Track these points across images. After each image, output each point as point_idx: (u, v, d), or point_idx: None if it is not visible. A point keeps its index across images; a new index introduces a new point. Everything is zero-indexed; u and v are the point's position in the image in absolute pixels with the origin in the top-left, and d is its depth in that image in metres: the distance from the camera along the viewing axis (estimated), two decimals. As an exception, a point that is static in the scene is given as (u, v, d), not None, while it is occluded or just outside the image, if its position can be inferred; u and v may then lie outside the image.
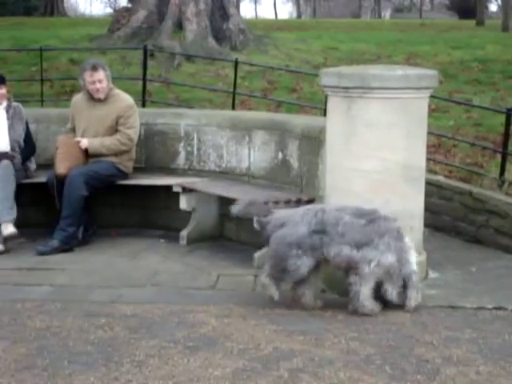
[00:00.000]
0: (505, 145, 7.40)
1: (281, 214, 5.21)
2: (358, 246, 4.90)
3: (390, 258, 4.94)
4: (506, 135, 7.39)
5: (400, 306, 5.08)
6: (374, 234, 4.93)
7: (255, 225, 5.18)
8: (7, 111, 6.72)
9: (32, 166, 6.86)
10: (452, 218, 7.11)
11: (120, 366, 4.14)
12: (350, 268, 4.94)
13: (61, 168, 6.44)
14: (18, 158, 6.64)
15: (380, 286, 5.04)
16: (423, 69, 6.49)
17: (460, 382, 4.02)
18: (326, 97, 5.72)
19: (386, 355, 4.35)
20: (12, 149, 6.66)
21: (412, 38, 17.88)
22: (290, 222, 4.99)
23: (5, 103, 6.73)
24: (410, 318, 4.95)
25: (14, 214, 6.36)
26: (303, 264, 4.92)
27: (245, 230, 6.62)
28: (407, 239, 5.08)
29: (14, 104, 6.83)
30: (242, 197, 6.11)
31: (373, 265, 4.90)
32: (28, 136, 6.83)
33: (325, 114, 6.54)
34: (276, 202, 5.99)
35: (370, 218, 4.97)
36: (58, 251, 6.32)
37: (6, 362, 4.18)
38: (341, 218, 4.94)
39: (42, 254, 6.28)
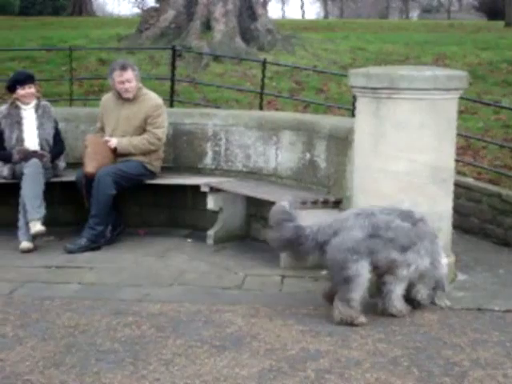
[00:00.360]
0: (534, 147, 7.33)
1: (326, 222, 5.01)
2: (403, 249, 4.86)
3: (425, 262, 4.92)
4: (536, 137, 7.32)
5: (427, 308, 5.07)
6: (417, 238, 4.90)
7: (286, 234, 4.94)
8: (36, 110, 6.78)
9: (61, 164, 6.92)
10: (480, 220, 7.06)
11: (147, 365, 4.17)
12: (388, 270, 4.91)
13: (89, 167, 6.49)
14: (48, 157, 6.70)
15: (411, 287, 5.01)
16: (452, 70, 6.45)
17: (488, 385, 4.00)
18: (354, 97, 5.70)
19: (413, 357, 4.34)
20: (41, 147, 6.72)
21: (440, 39, 17.75)
22: (344, 229, 4.84)
23: (34, 102, 6.79)
24: (438, 320, 4.93)
25: (42, 212, 6.41)
26: (363, 268, 4.77)
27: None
28: (440, 241, 5.05)
29: (43, 103, 6.89)
30: (270, 197, 6.13)
31: (412, 269, 4.88)
32: (57, 135, 6.89)
33: (352, 115, 6.53)
34: (304, 203, 5.99)
35: (413, 220, 4.92)
36: (86, 250, 6.37)
37: (35, 359, 4.23)
38: (391, 221, 4.87)
39: (70, 252, 6.33)
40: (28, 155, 6.58)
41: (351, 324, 4.75)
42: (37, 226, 6.34)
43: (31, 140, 6.72)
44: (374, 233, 4.82)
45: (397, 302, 4.93)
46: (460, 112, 9.44)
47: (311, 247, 4.90)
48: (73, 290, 5.47)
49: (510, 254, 6.55)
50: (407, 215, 4.94)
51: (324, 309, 5.00)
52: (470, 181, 7.33)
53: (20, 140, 6.70)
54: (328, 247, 4.85)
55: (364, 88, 5.39)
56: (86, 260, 6.16)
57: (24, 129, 6.72)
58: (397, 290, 4.91)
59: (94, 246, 6.43)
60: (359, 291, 4.77)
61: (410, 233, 4.88)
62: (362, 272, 4.76)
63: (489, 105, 9.95)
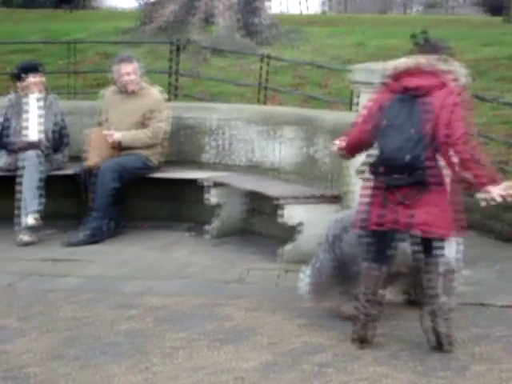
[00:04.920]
0: (536, 142, 7.34)
1: (336, 219, 5.01)
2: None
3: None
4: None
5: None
6: None
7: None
8: (44, 101, 6.77)
9: (64, 157, 6.92)
10: (483, 216, 7.06)
11: (149, 357, 4.19)
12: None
13: (92, 160, 6.50)
14: (48, 149, 6.69)
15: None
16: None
17: (488, 380, 4.02)
18: (352, 92, 5.70)
19: (413, 351, 4.36)
20: (43, 139, 6.71)
21: (441, 34, 17.71)
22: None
23: (37, 93, 6.77)
24: (439, 314, 4.94)
25: (37, 204, 6.37)
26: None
27: (272, 225, 6.64)
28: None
29: (51, 95, 6.91)
30: (270, 191, 6.14)
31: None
32: (63, 128, 6.89)
33: (351, 110, 6.52)
34: (305, 197, 6.01)
35: None
36: (88, 243, 6.38)
37: (38, 351, 4.25)
38: None
39: (72, 245, 6.34)
40: (26, 146, 6.56)
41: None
42: (31, 219, 6.32)
43: (31, 131, 6.71)
44: None
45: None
46: (462, 107, 9.43)
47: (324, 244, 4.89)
48: (75, 283, 5.49)
49: None
50: None
51: (325, 303, 5.01)
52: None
53: (23, 128, 6.69)
54: (339, 243, 4.84)
55: (366, 83, 5.40)
56: (89, 253, 6.17)
57: (28, 117, 6.72)
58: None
59: (97, 239, 6.44)
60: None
61: None
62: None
63: (489, 101, 9.94)
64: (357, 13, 42.11)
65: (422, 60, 4.32)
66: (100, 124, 6.94)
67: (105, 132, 6.66)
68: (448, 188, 4.33)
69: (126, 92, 6.77)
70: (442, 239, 4.37)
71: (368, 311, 4.38)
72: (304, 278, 4.91)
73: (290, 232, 6.17)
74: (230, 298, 5.16)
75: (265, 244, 6.55)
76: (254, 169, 6.99)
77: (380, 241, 4.36)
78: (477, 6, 43.36)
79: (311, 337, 4.53)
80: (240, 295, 5.24)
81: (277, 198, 6.06)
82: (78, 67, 12.23)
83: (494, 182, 4.23)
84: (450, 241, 4.93)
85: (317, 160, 6.54)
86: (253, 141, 7.00)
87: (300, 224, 6.04)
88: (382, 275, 4.42)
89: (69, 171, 6.75)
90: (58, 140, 6.82)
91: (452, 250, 4.97)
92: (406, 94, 4.30)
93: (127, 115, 6.72)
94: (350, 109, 6.09)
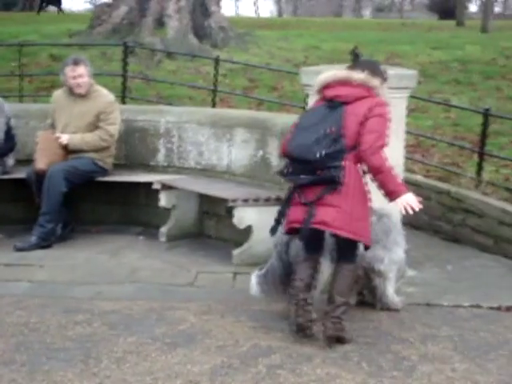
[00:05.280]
0: (482, 145, 7.47)
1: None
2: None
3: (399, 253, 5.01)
4: (484, 135, 7.47)
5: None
6: (382, 233, 4.94)
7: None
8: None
9: (10, 161, 6.81)
10: (430, 216, 7.17)
11: (98, 363, 4.15)
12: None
13: (40, 164, 6.42)
14: (-3, 153, 6.60)
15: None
16: (402, 69, 6.54)
17: (436, 379, 4.07)
18: (307, 95, 5.74)
19: (364, 352, 4.40)
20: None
21: (393, 38, 17.95)
22: None
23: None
24: (388, 315, 5.00)
25: None
26: (324, 266, 4.74)
27: (224, 228, 6.65)
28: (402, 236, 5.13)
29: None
30: (220, 194, 6.15)
31: (386, 263, 4.94)
32: (9, 131, 6.80)
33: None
34: (256, 200, 6.02)
35: (378, 215, 4.95)
36: (37, 247, 6.30)
37: (-16, 357, 4.18)
38: None
39: (20, 250, 6.25)
40: None
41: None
42: None
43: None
44: None
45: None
46: (411, 110, 9.56)
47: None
48: (23, 288, 5.41)
49: (459, 250, 6.67)
50: (371, 210, 4.98)
51: (276, 305, 5.03)
52: (419, 178, 7.44)
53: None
54: (287, 248, 4.87)
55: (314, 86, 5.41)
56: (37, 258, 6.09)
57: None
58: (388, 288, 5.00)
59: (45, 243, 6.36)
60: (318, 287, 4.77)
61: (375, 227, 4.92)
62: (323, 270, 4.74)
63: (439, 103, 10.11)
64: (308, 16, 42.38)
65: (341, 73, 4.53)
66: (49, 127, 6.86)
67: (53, 135, 6.59)
68: (361, 192, 4.38)
69: (75, 94, 6.70)
70: (351, 242, 4.42)
71: (301, 297, 4.49)
72: (255, 281, 4.92)
73: (242, 235, 6.18)
74: (181, 302, 5.14)
75: (217, 247, 6.55)
76: (206, 171, 6.98)
77: (310, 234, 4.43)
78: (426, 9, 44.00)
79: (262, 339, 4.54)
80: (191, 299, 5.23)
81: (226, 201, 6.06)
82: (29, 70, 12.08)
83: (398, 193, 4.36)
84: (397, 242, 5.00)
85: (269, 162, 6.56)
86: (204, 143, 6.99)
87: (250, 227, 6.05)
88: (314, 264, 4.57)
89: (18, 175, 6.66)
90: (5, 144, 6.72)
91: (402, 250, 5.05)
92: (332, 101, 4.47)
93: (77, 118, 6.66)
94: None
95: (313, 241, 4.55)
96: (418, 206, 4.40)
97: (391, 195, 4.40)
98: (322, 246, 4.63)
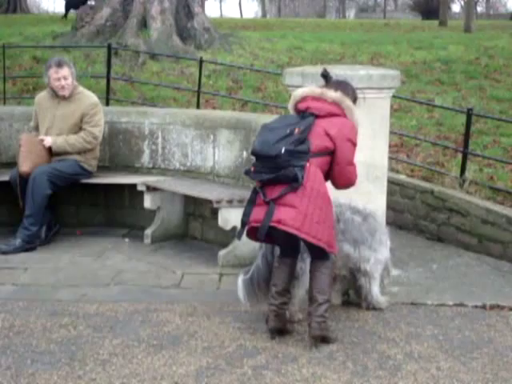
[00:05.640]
0: (465, 144, 7.51)
1: None
2: (355, 244, 4.92)
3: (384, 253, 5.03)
4: (467, 135, 7.50)
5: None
6: (368, 233, 4.96)
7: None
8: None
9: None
10: (414, 216, 7.20)
11: (83, 365, 4.14)
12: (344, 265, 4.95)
13: (24, 166, 6.39)
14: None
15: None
16: (386, 69, 6.56)
17: (421, 378, 4.09)
18: (290, 96, 5.74)
19: (349, 351, 4.41)
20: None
21: (376, 38, 18.01)
22: None
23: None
24: (372, 314, 5.01)
25: None
26: (307, 265, 4.72)
27: (210, 229, 6.65)
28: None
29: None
30: (205, 195, 6.14)
31: (371, 262, 4.96)
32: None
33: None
34: (241, 201, 6.02)
35: (363, 215, 4.97)
36: (21, 250, 6.27)
37: (-31, 361, 4.16)
38: (342, 214, 4.92)
39: (4, 253, 6.22)
40: None
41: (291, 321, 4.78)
42: None
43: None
44: None
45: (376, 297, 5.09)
46: (394, 110, 9.61)
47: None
48: (7, 291, 5.39)
49: (442, 249, 6.70)
50: (358, 210, 5.01)
51: (261, 306, 5.02)
52: (403, 178, 7.47)
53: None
54: (272, 249, 4.84)
55: (298, 87, 5.43)
56: (21, 261, 6.07)
57: None
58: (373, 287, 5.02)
59: (29, 246, 6.34)
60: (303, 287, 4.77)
61: (361, 227, 4.93)
62: (306, 270, 4.72)
63: (422, 103, 10.16)
64: (292, 17, 42.44)
65: (317, 90, 4.64)
66: (33, 129, 6.84)
67: (37, 137, 6.56)
68: (321, 196, 4.40)
69: (59, 97, 6.68)
70: (312, 244, 4.42)
71: (274, 303, 4.53)
72: (241, 286, 4.92)
73: (227, 236, 6.18)
74: (166, 304, 5.14)
75: (202, 248, 6.55)
76: (191, 173, 6.98)
77: (284, 236, 4.43)
78: (409, 9, 44.16)
79: (247, 340, 4.54)
80: (176, 300, 5.22)
81: (211, 202, 6.05)
82: (10, 72, 12.02)
83: None
84: (383, 242, 5.03)
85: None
86: (188, 145, 6.99)
87: (235, 228, 6.05)
88: (290, 268, 4.59)
89: (1, 178, 6.63)
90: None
91: (387, 250, 5.07)
92: (304, 112, 4.56)
93: (60, 120, 6.64)
94: (288, 113, 6.11)
95: (285, 244, 4.56)
96: None
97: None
98: (298, 249, 4.63)
